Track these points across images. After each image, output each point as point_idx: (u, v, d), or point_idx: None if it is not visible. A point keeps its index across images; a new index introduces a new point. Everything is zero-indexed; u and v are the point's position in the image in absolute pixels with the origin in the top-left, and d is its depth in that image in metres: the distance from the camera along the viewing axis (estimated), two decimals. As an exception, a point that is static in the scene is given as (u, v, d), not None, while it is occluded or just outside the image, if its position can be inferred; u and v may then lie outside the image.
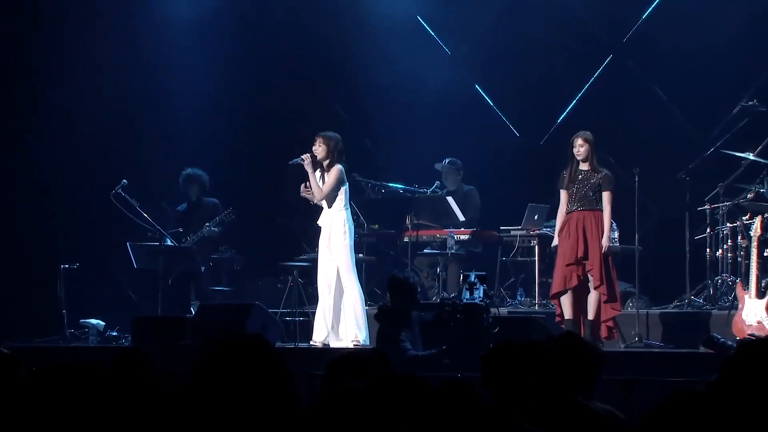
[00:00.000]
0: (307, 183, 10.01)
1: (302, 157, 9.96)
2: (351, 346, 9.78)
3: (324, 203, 10.04)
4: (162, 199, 12.92)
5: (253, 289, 12.48)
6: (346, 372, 4.16)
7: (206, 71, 13.30)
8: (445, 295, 10.50)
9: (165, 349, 8.83)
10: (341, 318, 9.92)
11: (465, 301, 8.65)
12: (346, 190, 10.06)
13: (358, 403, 3.15)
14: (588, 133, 9.81)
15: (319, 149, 10.01)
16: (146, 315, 11.03)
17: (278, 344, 10.03)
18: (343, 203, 10.03)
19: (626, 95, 12.79)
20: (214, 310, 10.41)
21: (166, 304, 11.26)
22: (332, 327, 9.91)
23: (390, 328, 8.54)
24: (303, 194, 10.01)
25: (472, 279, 8.74)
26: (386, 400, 3.40)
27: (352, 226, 10.13)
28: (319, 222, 10.11)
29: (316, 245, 10.36)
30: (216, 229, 12.01)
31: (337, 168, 9.98)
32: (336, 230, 9.97)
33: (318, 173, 10.06)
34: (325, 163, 10.02)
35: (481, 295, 8.60)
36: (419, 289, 9.55)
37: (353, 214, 10.50)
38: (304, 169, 9.98)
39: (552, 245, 10.05)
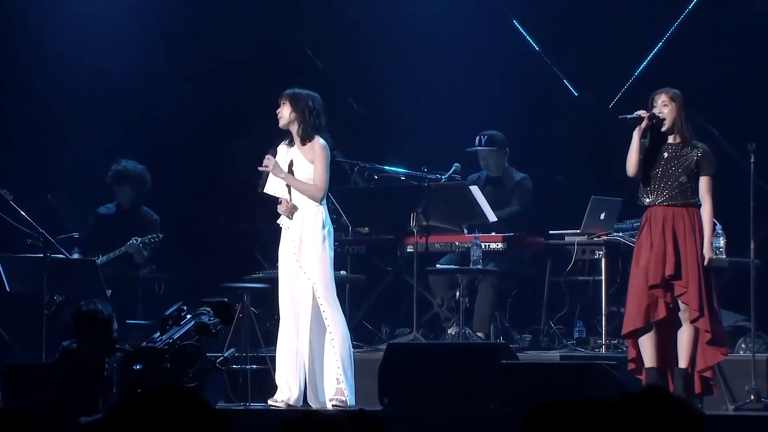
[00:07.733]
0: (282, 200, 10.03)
1: (265, 163, 9.98)
2: (330, 407, 9.77)
3: (290, 195, 10.00)
4: (47, 190, 12.90)
5: (183, 323, 12.49)
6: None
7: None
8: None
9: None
10: (319, 366, 9.90)
11: (146, 344, 8.88)
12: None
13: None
14: (676, 90, 9.80)
15: (284, 110, 9.98)
16: (24, 362, 10.99)
17: (221, 405, 10.04)
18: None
19: (734, 37, 12.80)
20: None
21: (54, 344, 11.23)
22: (305, 380, 9.90)
23: (67, 382, 8.68)
24: (284, 212, 10.01)
25: (174, 310, 8.90)
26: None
27: (332, 230, 10.13)
28: (282, 222, 10.09)
29: (278, 258, 10.35)
30: (145, 252, 12.04)
31: (321, 145, 9.98)
32: (309, 233, 9.94)
33: (285, 149, 10.03)
34: (294, 130, 9.99)
35: (177, 335, 8.73)
36: (116, 327, 9.57)
37: (331, 212, 10.49)
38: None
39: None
